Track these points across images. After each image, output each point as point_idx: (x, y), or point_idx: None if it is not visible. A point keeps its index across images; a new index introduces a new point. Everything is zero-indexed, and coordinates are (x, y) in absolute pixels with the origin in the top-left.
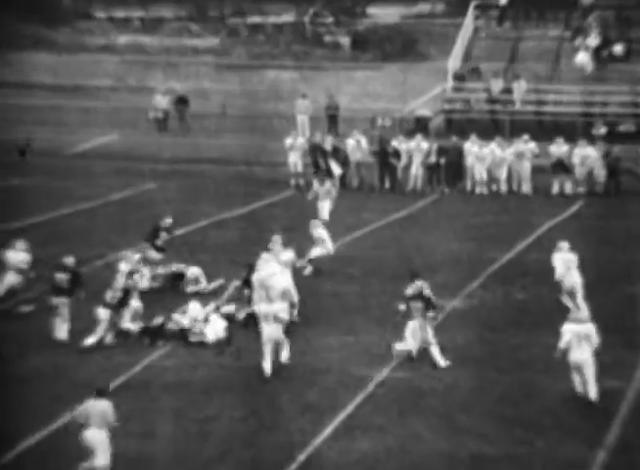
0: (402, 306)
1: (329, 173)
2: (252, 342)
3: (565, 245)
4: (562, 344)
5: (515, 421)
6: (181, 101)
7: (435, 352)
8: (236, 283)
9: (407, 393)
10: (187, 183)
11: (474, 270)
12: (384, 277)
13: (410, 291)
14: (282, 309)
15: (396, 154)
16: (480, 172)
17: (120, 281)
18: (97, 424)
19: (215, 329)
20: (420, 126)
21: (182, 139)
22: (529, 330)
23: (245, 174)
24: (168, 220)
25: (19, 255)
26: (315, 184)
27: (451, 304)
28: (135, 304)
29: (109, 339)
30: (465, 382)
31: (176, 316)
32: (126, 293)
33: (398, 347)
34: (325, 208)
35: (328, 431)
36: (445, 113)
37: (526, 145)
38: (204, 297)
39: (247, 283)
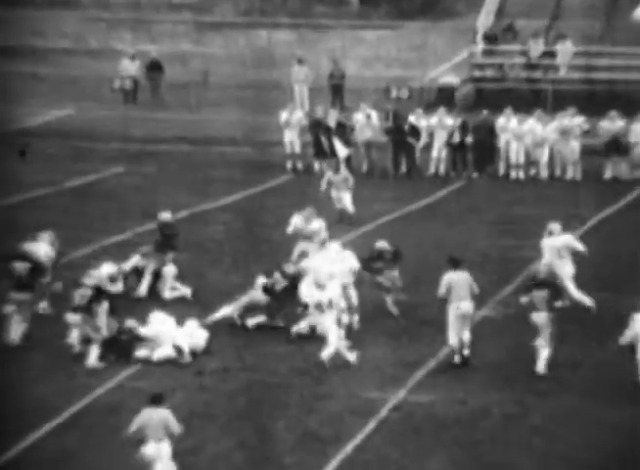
0: (524, 298)
1: (333, 155)
2: (239, 359)
3: (556, 227)
4: (627, 336)
5: (557, 457)
6: (154, 67)
7: (544, 355)
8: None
9: (427, 420)
10: (161, 167)
11: (508, 272)
12: None
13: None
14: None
15: (414, 131)
16: (516, 153)
17: (92, 277)
18: (156, 436)
19: (191, 341)
20: (443, 98)
21: (155, 114)
22: (577, 344)
23: (231, 156)
24: (167, 215)
25: (40, 248)
26: (328, 172)
27: (480, 312)
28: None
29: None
30: (497, 408)
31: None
32: (98, 291)
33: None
34: (346, 198)
35: (332, 466)
36: (474, 81)
37: (573, 120)
38: (187, 305)
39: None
